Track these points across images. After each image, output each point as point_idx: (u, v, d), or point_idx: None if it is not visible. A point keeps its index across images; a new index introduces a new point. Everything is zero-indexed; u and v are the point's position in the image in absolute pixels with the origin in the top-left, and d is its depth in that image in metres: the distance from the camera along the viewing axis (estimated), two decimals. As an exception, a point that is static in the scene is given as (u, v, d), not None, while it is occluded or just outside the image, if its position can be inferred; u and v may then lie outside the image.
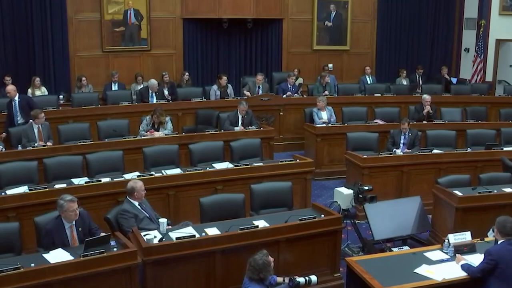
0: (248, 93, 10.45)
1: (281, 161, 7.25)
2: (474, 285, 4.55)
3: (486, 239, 5.23)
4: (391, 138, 8.40)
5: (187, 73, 11.25)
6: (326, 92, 10.70)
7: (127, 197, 5.50)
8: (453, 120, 9.59)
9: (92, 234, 5.12)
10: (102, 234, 5.04)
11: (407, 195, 7.32)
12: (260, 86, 10.58)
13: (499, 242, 4.61)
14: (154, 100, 9.90)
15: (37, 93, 10.00)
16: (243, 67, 12.20)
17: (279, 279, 4.53)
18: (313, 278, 4.54)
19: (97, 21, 10.98)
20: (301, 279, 4.47)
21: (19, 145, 7.57)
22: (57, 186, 6.20)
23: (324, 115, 9.37)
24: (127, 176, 6.58)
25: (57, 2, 10.61)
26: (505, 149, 7.94)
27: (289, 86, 10.70)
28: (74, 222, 5.02)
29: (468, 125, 9.20)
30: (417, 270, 4.68)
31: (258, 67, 12.14)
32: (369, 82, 11.95)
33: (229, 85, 10.72)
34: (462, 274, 4.61)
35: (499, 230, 4.60)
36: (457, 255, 4.87)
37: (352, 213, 6.63)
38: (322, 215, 5.57)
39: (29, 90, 10.04)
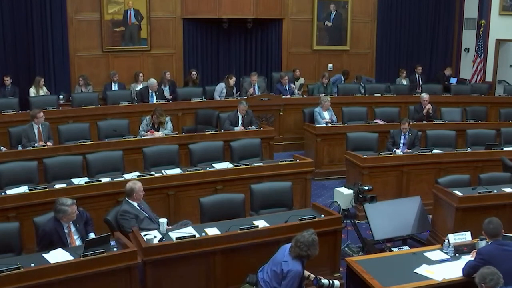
0: (252, 91, 10.42)
1: (281, 161, 7.24)
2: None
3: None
4: (391, 138, 8.39)
5: (194, 72, 11.16)
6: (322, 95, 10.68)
7: (126, 198, 5.49)
8: (453, 120, 9.58)
9: (87, 229, 5.29)
10: (92, 235, 5.17)
11: (407, 195, 7.32)
12: (257, 86, 10.56)
13: (489, 243, 4.63)
14: (154, 100, 9.90)
15: (40, 93, 10.04)
16: (243, 67, 12.20)
17: (306, 273, 4.63)
18: (336, 282, 4.63)
19: (97, 21, 10.99)
20: (325, 281, 4.57)
21: (19, 145, 7.57)
22: (57, 186, 6.20)
23: (327, 114, 9.38)
24: (127, 176, 6.58)
25: (57, 2, 10.62)
26: (505, 149, 7.92)
27: (285, 87, 10.68)
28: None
29: (468, 125, 9.19)
30: (417, 270, 4.67)
31: (258, 67, 12.14)
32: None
33: (234, 87, 10.71)
34: (462, 274, 4.60)
35: (485, 232, 4.63)
36: (474, 251, 4.84)
37: (352, 213, 6.62)
38: (322, 215, 5.57)
39: (32, 90, 10.05)
